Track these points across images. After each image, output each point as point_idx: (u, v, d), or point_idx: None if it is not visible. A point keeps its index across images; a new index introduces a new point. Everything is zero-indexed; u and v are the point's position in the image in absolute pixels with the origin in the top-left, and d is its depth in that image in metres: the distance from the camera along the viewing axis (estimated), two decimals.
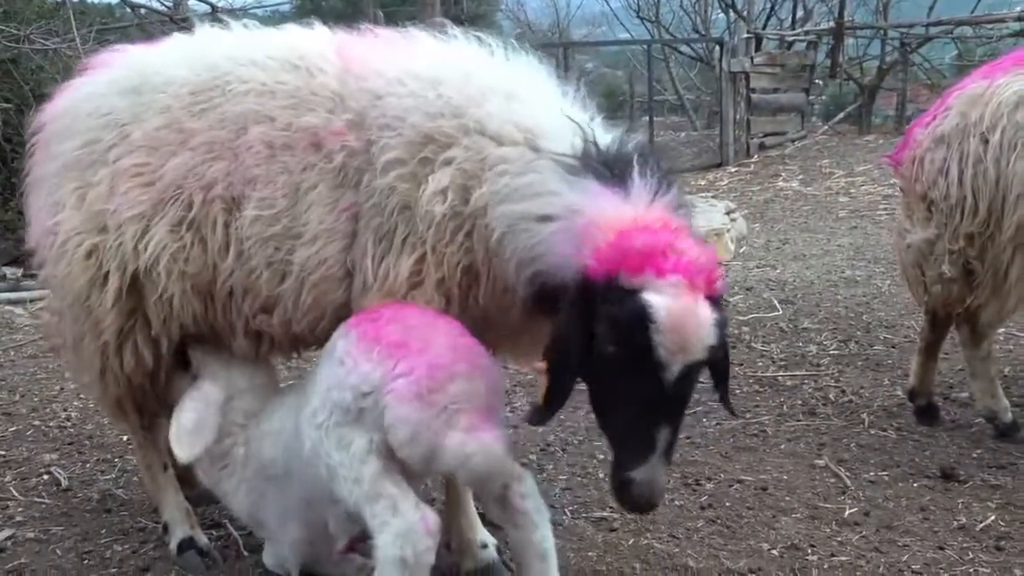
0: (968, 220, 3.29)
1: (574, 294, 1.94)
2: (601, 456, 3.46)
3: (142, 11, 11.95)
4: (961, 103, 3.38)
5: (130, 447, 3.51)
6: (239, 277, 2.29)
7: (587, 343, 1.93)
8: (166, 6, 12.34)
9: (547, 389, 1.97)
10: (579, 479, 3.27)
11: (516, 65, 2.34)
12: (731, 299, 5.78)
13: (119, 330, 2.42)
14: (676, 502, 3.05)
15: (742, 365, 4.55)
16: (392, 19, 15.68)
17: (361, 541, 2.22)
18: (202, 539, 2.69)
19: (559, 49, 18.20)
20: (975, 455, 3.39)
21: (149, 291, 2.35)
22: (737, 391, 4.18)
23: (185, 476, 2.93)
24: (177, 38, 2.58)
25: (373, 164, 2.19)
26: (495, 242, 2.14)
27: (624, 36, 23.05)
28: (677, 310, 1.83)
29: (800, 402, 4.03)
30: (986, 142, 3.24)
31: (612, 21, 24.78)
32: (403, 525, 1.88)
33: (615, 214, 1.95)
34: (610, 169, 2.03)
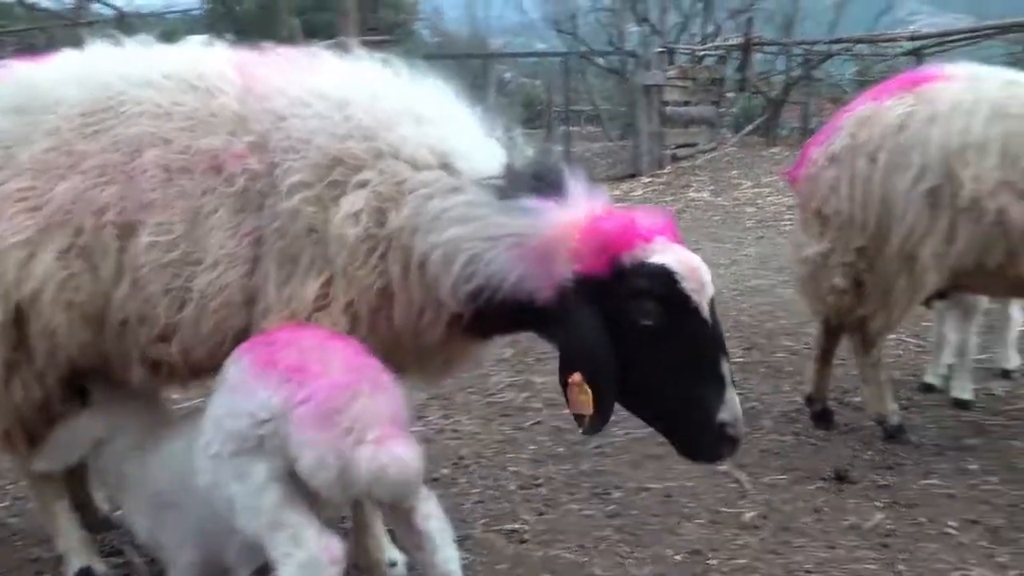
0: (858, 235, 3.47)
1: (575, 300, 1.99)
2: (514, 468, 3.51)
3: (42, 14, 11.49)
4: (851, 124, 3.57)
5: None
6: (134, 306, 2.22)
7: (609, 337, 1.98)
8: (67, 8, 11.91)
9: (593, 396, 1.98)
10: (491, 492, 3.31)
11: (423, 86, 2.36)
12: None
13: (6, 363, 2.32)
14: (585, 512, 3.12)
15: None
16: (309, 27, 15.51)
17: (265, 574, 2.19)
18: (101, 568, 2.60)
19: (478, 60, 18.34)
20: (866, 457, 3.57)
21: (33, 321, 2.26)
22: None
23: (85, 503, 2.84)
24: (67, 54, 2.49)
25: (277, 187, 2.18)
26: (416, 264, 2.16)
27: (542, 47, 23.35)
28: (684, 258, 2.00)
29: None
30: (873, 162, 3.43)
31: (530, 31, 25.07)
32: (306, 556, 1.85)
33: (566, 219, 2.04)
34: (542, 181, 2.11)
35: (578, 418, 2.03)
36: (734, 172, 13.18)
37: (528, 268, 2.06)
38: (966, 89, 3.44)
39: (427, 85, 2.36)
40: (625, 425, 3.89)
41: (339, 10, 11.82)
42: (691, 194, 12.22)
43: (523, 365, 4.70)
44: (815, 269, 3.64)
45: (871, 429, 3.81)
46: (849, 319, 3.65)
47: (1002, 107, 3.35)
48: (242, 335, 2.21)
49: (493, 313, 2.16)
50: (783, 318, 5.71)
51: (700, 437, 2.09)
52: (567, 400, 2.03)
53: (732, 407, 2.04)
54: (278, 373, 1.92)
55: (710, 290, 2.02)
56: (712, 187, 12.50)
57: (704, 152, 14.50)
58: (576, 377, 1.97)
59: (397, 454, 1.87)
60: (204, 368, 2.33)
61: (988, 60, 15.06)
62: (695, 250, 2.13)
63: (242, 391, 1.97)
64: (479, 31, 25.64)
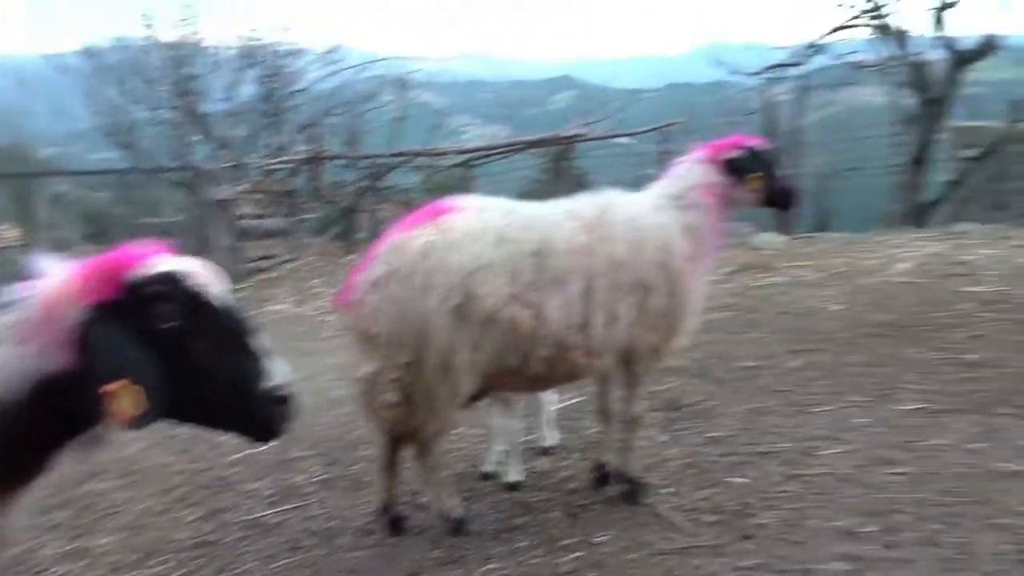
0: (401, 352, 3.82)
1: (101, 325, 1.98)
2: None
3: None
4: (387, 253, 3.94)
5: None
6: None
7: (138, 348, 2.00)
8: None
9: (143, 388, 1.96)
10: None
11: None
12: (215, 440, 5.67)
13: None
14: None
15: (231, 511, 4.53)
16: None
17: None
18: None
19: (23, 178, 16.46)
20: (434, 555, 3.86)
21: None
22: (226, 540, 4.15)
23: None
24: None
25: None
26: None
27: (98, 156, 21.75)
28: (182, 263, 2.13)
29: (285, 539, 4.15)
30: (407, 286, 3.83)
31: (84, 140, 23.19)
32: None
33: (52, 282, 2.03)
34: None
35: (126, 424, 1.99)
36: (315, 281, 13.47)
37: (36, 345, 2.00)
38: (475, 219, 4.02)
39: None
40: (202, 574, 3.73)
41: None
42: (273, 307, 12.18)
43: (80, 528, 4.23)
44: (368, 387, 3.91)
45: (439, 527, 4.13)
46: (405, 429, 3.97)
47: (504, 233, 3.99)
48: None
49: (21, 426, 2.00)
50: (360, 428, 5.88)
51: (255, 412, 2.16)
52: (110, 415, 1.97)
53: (274, 372, 2.16)
54: None
55: (218, 285, 2.17)
56: (295, 297, 12.62)
57: (285, 263, 14.64)
58: (111, 386, 1.97)
59: None
60: None
61: (522, 168, 17.64)
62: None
63: None
64: (22, 142, 22.97)
